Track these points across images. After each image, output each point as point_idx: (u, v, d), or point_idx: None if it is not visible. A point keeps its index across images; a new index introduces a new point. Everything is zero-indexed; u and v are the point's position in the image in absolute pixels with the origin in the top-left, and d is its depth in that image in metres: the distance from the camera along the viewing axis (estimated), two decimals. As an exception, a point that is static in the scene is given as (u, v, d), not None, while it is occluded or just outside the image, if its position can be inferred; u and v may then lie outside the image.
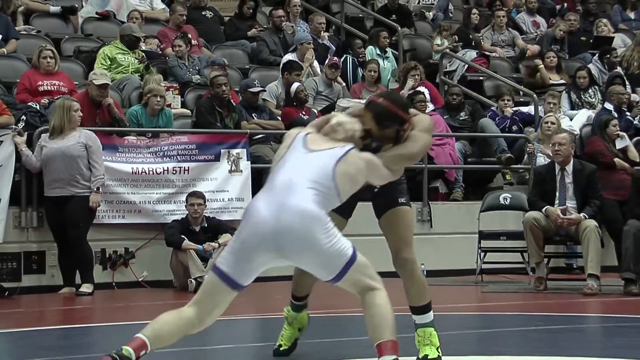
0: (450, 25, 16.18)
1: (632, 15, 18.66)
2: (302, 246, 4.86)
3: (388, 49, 14.99)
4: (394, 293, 5.31)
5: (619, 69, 15.61)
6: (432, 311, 5.86)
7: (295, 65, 13.26)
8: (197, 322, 4.93)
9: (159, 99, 11.64)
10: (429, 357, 5.71)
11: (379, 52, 14.71)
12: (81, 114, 10.61)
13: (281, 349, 6.13)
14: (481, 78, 15.41)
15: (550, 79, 15.17)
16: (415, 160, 5.84)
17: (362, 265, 4.98)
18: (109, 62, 12.67)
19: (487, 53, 15.89)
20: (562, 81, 15.18)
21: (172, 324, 4.90)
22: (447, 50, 15.38)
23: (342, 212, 5.71)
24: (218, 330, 7.99)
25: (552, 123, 12.42)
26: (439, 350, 5.78)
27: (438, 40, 15.65)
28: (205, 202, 11.05)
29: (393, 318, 4.93)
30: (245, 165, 11.60)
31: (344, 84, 13.86)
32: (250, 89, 12.48)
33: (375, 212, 5.88)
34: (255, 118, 12.29)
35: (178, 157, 11.49)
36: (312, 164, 5.04)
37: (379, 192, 5.77)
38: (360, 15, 16.88)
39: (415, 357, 5.73)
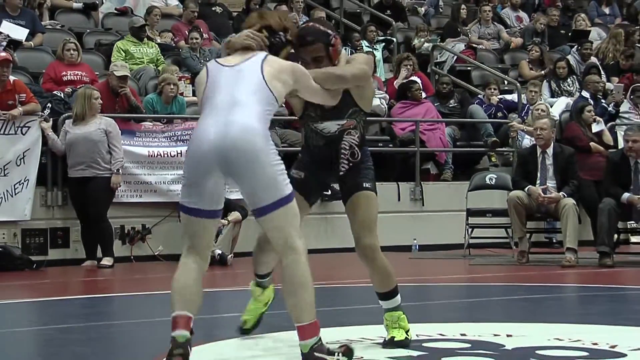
0: (425, 25, 16.15)
1: (607, 10, 18.63)
2: (246, 163, 4.38)
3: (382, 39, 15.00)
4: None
5: (594, 60, 15.61)
6: (399, 295, 5.26)
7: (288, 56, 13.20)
8: (204, 262, 4.55)
9: (172, 86, 11.62)
10: (395, 339, 5.18)
11: (367, 44, 14.68)
12: (101, 102, 10.61)
13: (245, 326, 5.50)
14: (469, 68, 15.39)
15: (531, 69, 15.25)
16: (346, 84, 5.00)
17: (293, 212, 4.48)
18: (124, 55, 12.67)
19: (474, 45, 15.88)
20: (543, 72, 15.22)
21: (190, 284, 4.48)
22: (438, 43, 15.36)
23: (308, 196, 5.23)
24: (226, 299, 8.02)
25: (543, 111, 12.39)
26: (408, 334, 5.24)
27: (416, 41, 15.60)
28: (215, 182, 11.03)
29: (313, 293, 4.42)
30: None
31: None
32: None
33: (342, 197, 5.30)
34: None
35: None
36: (241, 75, 4.57)
37: (345, 176, 5.22)
38: (358, 10, 16.87)
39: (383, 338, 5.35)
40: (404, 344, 5.18)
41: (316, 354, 4.41)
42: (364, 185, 5.20)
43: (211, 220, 4.53)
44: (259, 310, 5.57)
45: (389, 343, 5.20)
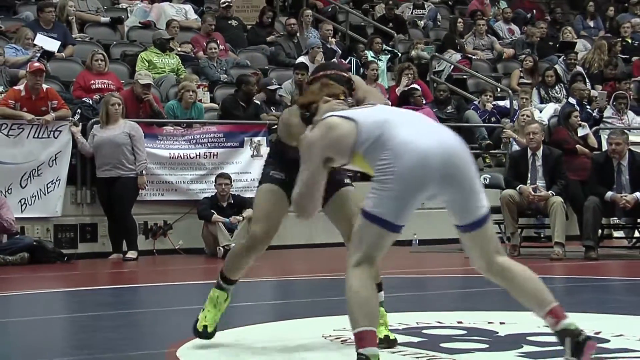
0: (422, 39, 16.17)
1: (591, 23, 18.63)
2: (468, 166, 3.93)
3: (388, 51, 15.01)
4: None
5: (579, 69, 15.62)
6: (382, 291, 4.88)
7: (298, 66, 13.19)
8: (374, 272, 4.09)
9: (191, 93, 11.67)
10: (390, 337, 4.85)
11: (372, 54, 14.69)
12: (118, 108, 10.60)
13: (209, 330, 4.97)
14: (465, 77, 15.39)
15: (522, 78, 15.25)
16: None
17: (492, 224, 4.13)
18: (147, 64, 12.70)
19: (469, 55, 15.87)
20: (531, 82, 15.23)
21: (371, 296, 3.93)
22: (435, 53, 15.39)
23: (289, 196, 4.71)
24: (242, 290, 8.03)
25: (528, 116, 12.41)
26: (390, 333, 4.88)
27: (413, 52, 15.61)
28: (231, 182, 11.08)
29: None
30: (265, 150, 11.58)
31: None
32: (269, 87, 12.51)
33: (325, 194, 4.58)
34: (273, 111, 12.30)
35: (208, 144, 11.51)
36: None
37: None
38: (362, 23, 16.87)
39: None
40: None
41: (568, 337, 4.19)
42: (346, 182, 4.97)
43: (398, 235, 3.97)
44: (216, 319, 5.03)
45: (385, 342, 4.80)
